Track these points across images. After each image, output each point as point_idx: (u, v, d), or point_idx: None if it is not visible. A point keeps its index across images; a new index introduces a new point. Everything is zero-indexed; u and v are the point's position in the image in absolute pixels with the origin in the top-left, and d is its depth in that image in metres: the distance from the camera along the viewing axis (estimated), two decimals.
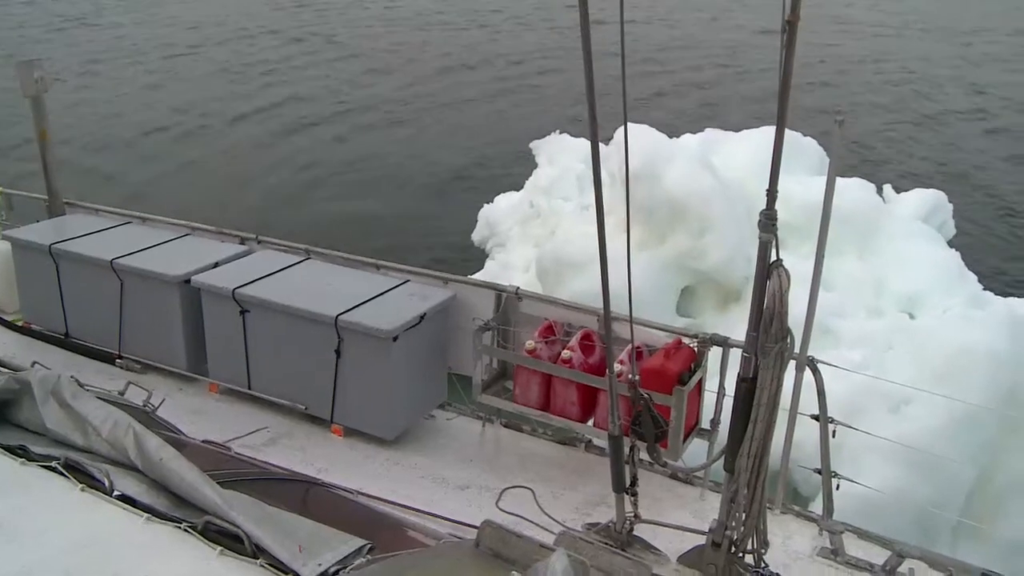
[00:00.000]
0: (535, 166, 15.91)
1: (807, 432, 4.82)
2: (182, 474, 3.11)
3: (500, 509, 4.97)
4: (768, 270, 3.60)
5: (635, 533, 4.41)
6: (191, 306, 6.30)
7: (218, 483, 3.12)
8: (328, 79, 28.53)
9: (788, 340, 3.75)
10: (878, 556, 4.57)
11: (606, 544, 3.94)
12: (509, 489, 5.24)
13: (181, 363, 6.46)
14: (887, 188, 13.53)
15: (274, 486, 3.98)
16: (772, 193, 3.47)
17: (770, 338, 3.68)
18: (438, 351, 6.02)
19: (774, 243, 3.54)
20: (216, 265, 6.44)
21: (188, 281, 6.23)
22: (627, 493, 4.29)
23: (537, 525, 4.70)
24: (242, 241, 6.98)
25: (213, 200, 17.74)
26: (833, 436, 4.76)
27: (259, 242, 6.93)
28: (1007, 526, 7.84)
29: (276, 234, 7.22)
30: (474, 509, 4.89)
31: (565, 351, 5.29)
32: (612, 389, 4.01)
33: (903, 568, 4.43)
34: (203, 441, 4.46)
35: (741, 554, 4.04)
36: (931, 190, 13.91)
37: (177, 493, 3.11)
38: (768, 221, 3.51)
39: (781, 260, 3.59)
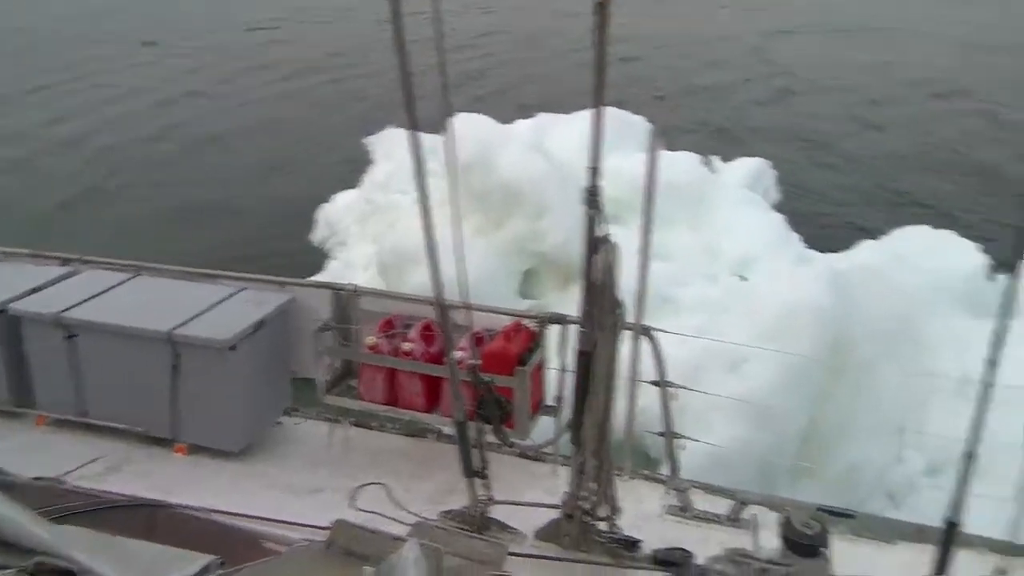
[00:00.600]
0: (370, 163, 15.76)
1: (654, 398, 4.99)
2: (7, 515, 2.92)
3: (355, 508, 4.92)
4: (595, 244, 3.71)
5: (491, 515, 4.46)
6: (10, 336, 5.87)
7: (52, 519, 2.95)
8: (149, 78, 27.47)
9: (620, 311, 3.88)
10: (723, 507, 4.79)
11: (462, 529, 3.99)
12: (362, 487, 5.19)
13: (2, 398, 6.04)
14: (715, 159, 14.18)
15: (116, 514, 3.81)
16: (594, 169, 3.58)
17: (603, 311, 3.80)
18: (279, 356, 5.88)
19: (599, 218, 3.65)
20: (36, 290, 6.05)
21: (4, 310, 5.84)
22: (478, 477, 4.33)
23: (394, 520, 4.67)
24: (64, 262, 6.55)
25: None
26: (676, 399, 4.95)
27: (84, 262, 6.54)
28: (835, 463, 8.45)
29: (82, 236, 6.83)
30: (328, 512, 4.79)
31: (405, 343, 5.26)
32: (453, 376, 4.04)
33: (746, 514, 4.67)
34: (33, 478, 4.21)
35: (594, 522, 4.17)
36: (755, 158, 14.67)
37: (2, 538, 2.92)
38: (591, 197, 3.61)
39: (608, 234, 3.71)
